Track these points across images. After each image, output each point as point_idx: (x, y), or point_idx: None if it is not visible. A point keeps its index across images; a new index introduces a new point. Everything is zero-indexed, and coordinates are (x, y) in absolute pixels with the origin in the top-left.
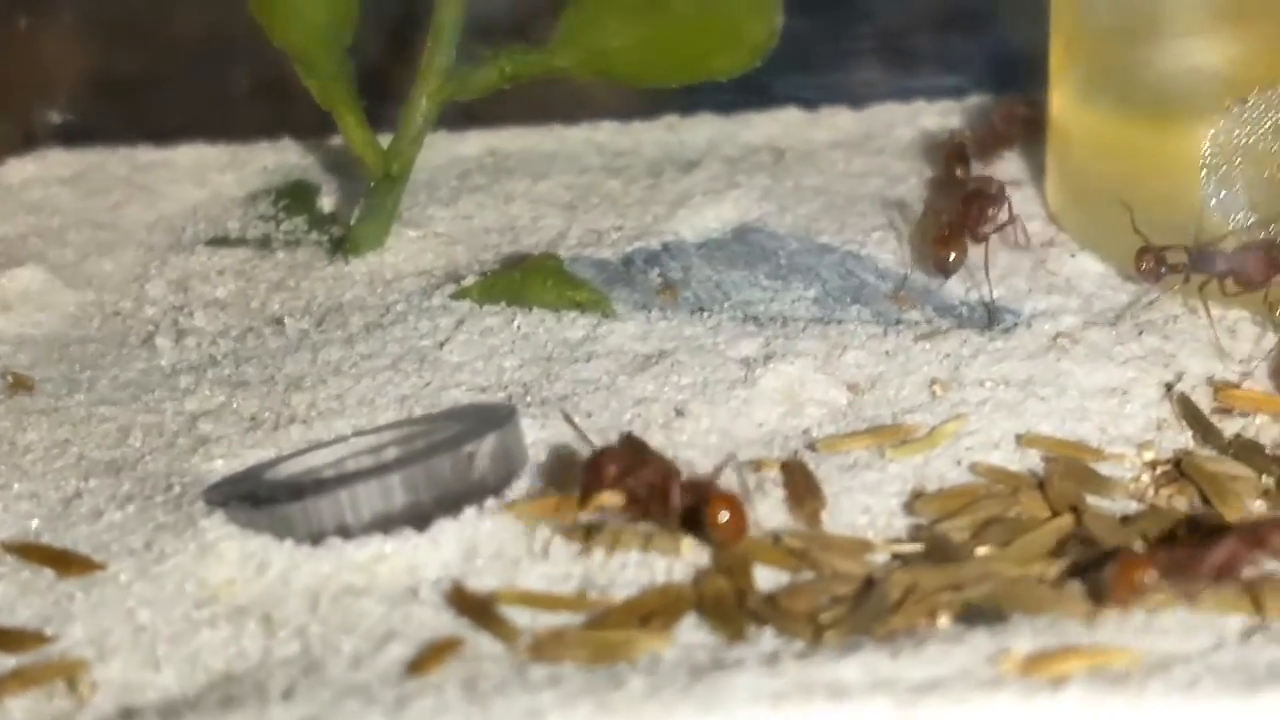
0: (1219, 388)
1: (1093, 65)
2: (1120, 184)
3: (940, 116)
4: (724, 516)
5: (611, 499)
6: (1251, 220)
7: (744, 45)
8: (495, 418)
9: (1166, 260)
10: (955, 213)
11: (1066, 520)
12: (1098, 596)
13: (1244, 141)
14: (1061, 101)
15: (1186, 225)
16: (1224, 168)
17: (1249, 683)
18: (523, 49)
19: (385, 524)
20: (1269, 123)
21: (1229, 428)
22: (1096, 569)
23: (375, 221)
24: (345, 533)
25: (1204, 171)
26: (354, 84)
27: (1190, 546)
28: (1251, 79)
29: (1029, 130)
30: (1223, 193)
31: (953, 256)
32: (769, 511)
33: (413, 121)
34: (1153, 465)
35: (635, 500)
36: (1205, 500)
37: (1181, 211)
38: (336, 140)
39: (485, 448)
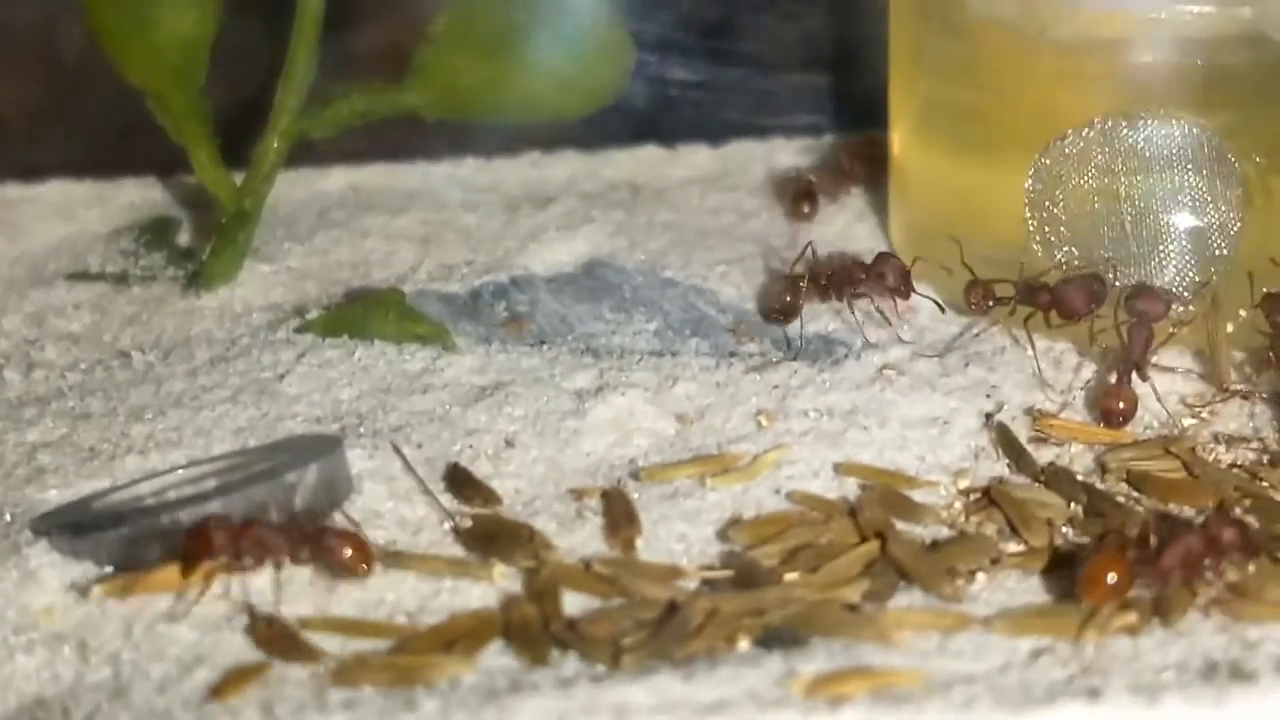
0: (1037, 417)
1: (926, 104)
2: (953, 220)
3: (795, 154)
4: (347, 553)
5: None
6: (1074, 255)
7: (595, 85)
8: (321, 448)
9: (994, 293)
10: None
11: (872, 546)
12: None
13: (1063, 178)
14: (900, 139)
15: (1015, 260)
16: (1046, 203)
17: (1024, 703)
18: (374, 87)
19: None
20: (1085, 160)
21: (1045, 456)
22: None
23: (227, 257)
24: (165, 560)
25: (1027, 208)
26: (208, 121)
27: (1154, 546)
28: (1072, 118)
29: (875, 168)
30: (1045, 228)
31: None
32: (586, 539)
33: (265, 159)
34: (966, 493)
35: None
36: (1013, 528)
37: (1010, 247)
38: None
39: (308, 478)
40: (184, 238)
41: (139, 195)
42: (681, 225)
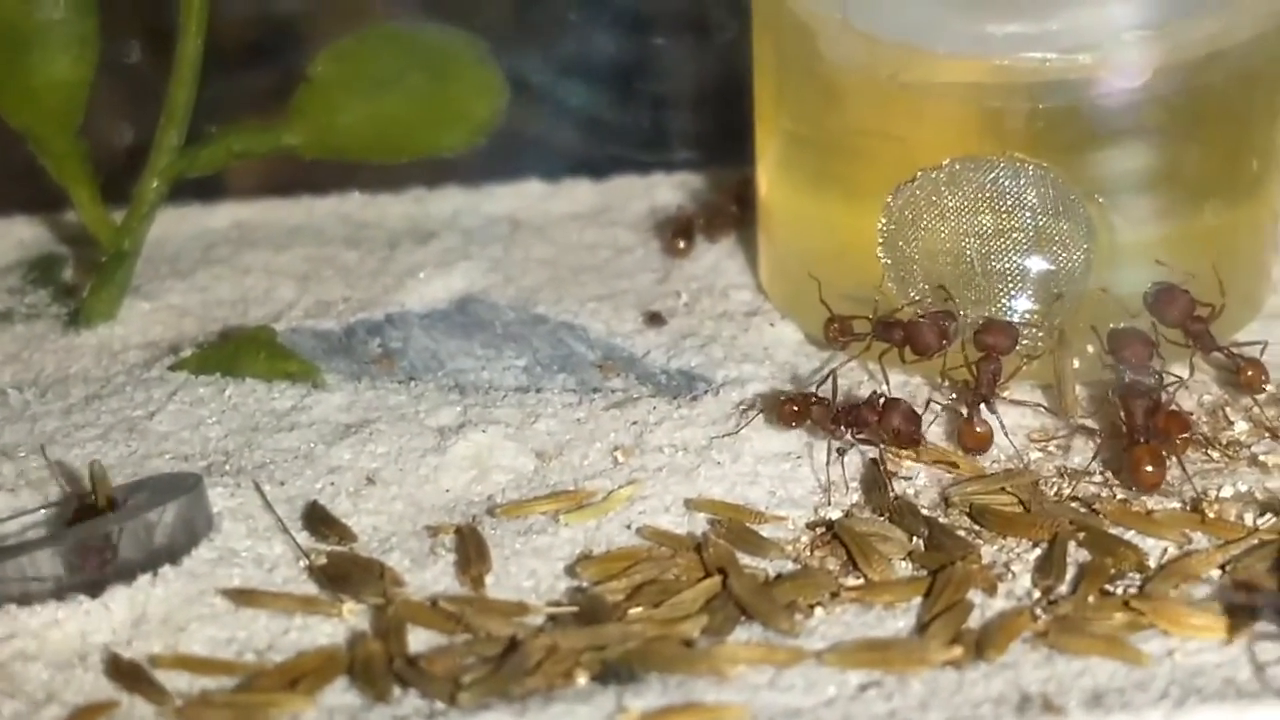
0: (887, 451)
1: (787, 144)
2: (815, 257)
3: (675, 190)
4: None
5: None
6: (926, 292)
7: (470, 123)
8: (181, 487)
9: (852, 329)
10: None
11: (713, 582)
12: None
13: (913, 219)
14: (765, 178)
15: (873, 297)
16: (898, 243)
17: None
18: (252, 127)
19: (64, 590)
20: (934, 201)
21: (894, 488)
22: None
23: (106, 295)
24: (26, 599)
25: (880, 247)
26: (87, 162)
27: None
28: (924, 159)
29: (751, 206)
30: (898, 267)
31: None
32: (439, 575)
33: (144, 199)
34: (812, 527)
35: None
36: (853, 562)
37: (868, 284)
38: None
39: (166, 516)
40: (69, 274)
41: (29, 233)
42: (558, 261)
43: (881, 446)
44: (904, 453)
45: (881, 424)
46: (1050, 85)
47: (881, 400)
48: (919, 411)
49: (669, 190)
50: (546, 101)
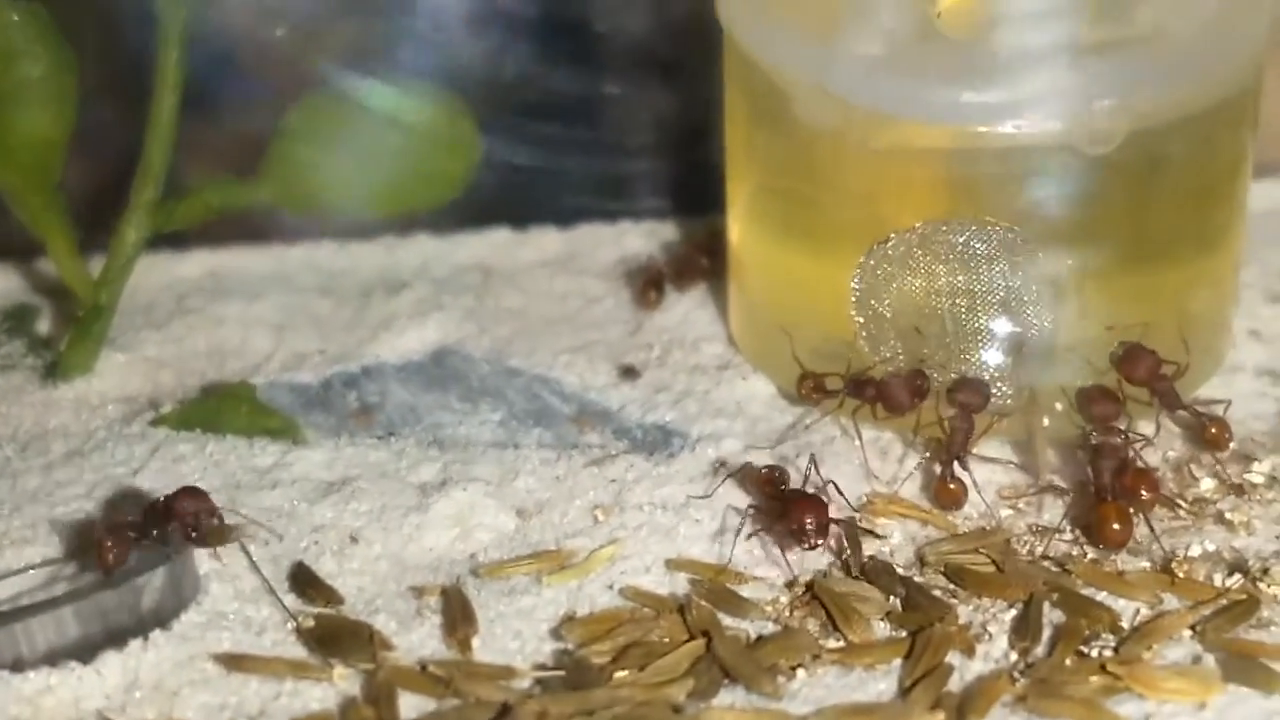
0: (863, 507)
1: (758, 198)
2: (787, 311)
3: (644, 238)
4: None
5: None
6: (898, 350)
7: (444, 178)
8: (168, 550)
9: (824, 386)
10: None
11: (697, 644)
12: None
13: (886, 279)
14: (736, 230)
15: (846, 353)
16: (871, 302)
17: None
18: (228, 181)
19: (58, 656)
20: (908, 262)
21: (868, 548)
22: None
23: (83, 349)
24: (19, 665)
25: (853, 306)
26: (64, 216)
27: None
28: (896, 220)
29: (719, 256)
30: (871, 326)
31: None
32: (425, 637)
33: (120, 253)
34: (790, 587)
35: None
36: (833, 623)
37: (841, 340)
38: None
39: (155, 580)
40: (44, 325)
41: (2, 282)
42: (529, 311)
43: (856, 516)
44: (880, 511)
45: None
46: (1021, 152)
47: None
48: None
49: (636, 238)
50: (512, 148)
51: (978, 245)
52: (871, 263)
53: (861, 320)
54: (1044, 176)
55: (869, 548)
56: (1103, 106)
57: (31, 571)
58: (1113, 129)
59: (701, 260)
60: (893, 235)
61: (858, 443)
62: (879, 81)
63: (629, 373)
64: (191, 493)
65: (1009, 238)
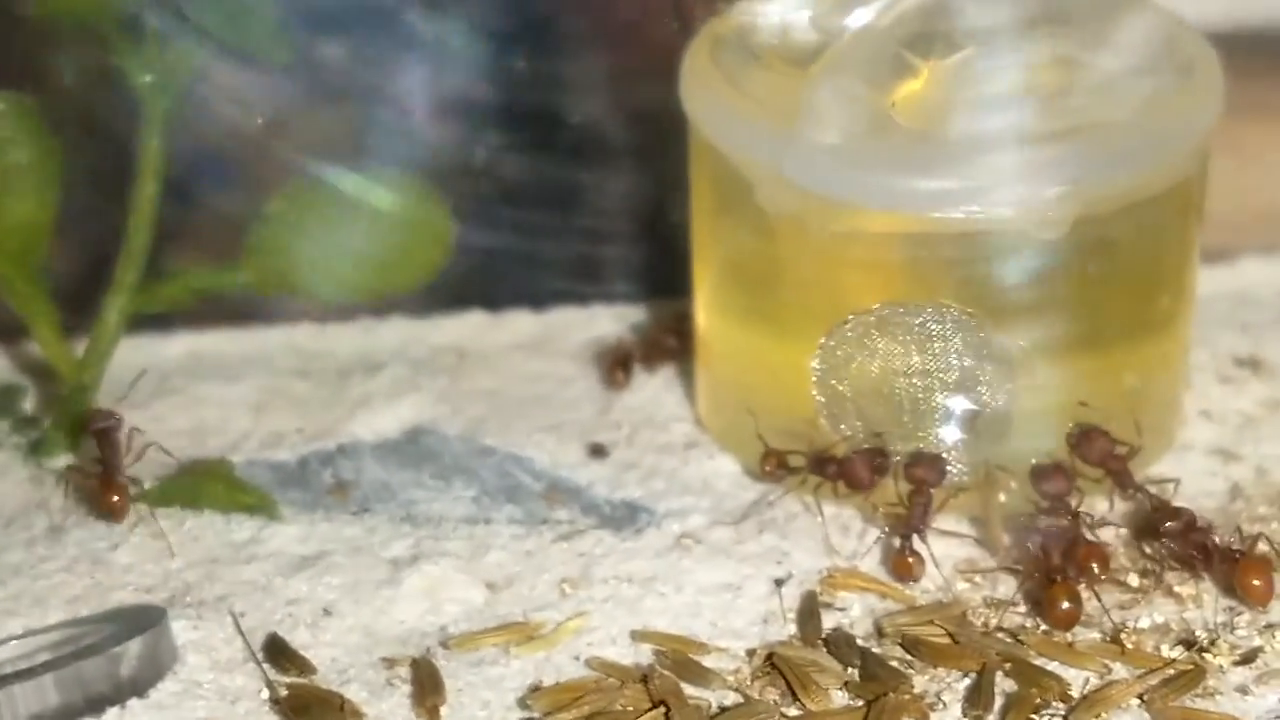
0: (823, 582)
1: (723, 281)
2: (752, 391)
3: (614, 321)
4: None
5: None
6: (858, 429)
7: (419, 265)
8: (146, 620)
9: (787, 463)
10: None
11: (657, 715)
12: None
13: (845, 359)
14: (701, 313)
15: (808, 431)
16: (831, 381)
17: None
18: (208, 266)
19: None
20: (866, 342)
21: (829, 620)
22: None
23: (67, 426)
24: None
25: (814, 385)
26: (49, 298)
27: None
28: (856, 302)
29: (687, 337)
30: (832, 405)
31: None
32: (395, 707)
33: (103, 335)
34: (751, 657)
35: None
36: (793, 693)
37: (804, 419)
38: None
39: (133, 649)
40: (30, 404)
41: None
42: (502, 392)
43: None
44: (840, 584)
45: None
46: (974, 237)
47: None
48: None
49: (608, 321)
50: (488, 233)
51: (933, 327)
52: (831, 343)
53: (822, 399)
54: (997, 261)
55: (830, 620)
56: (1052, 193)
57: (14, 643)
58: (1062, 215)
59: (669, 341)
60: (851, 317)
61: (819, 519)
62: (835, 170)
63: (598, 451)
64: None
65: (964, 319)
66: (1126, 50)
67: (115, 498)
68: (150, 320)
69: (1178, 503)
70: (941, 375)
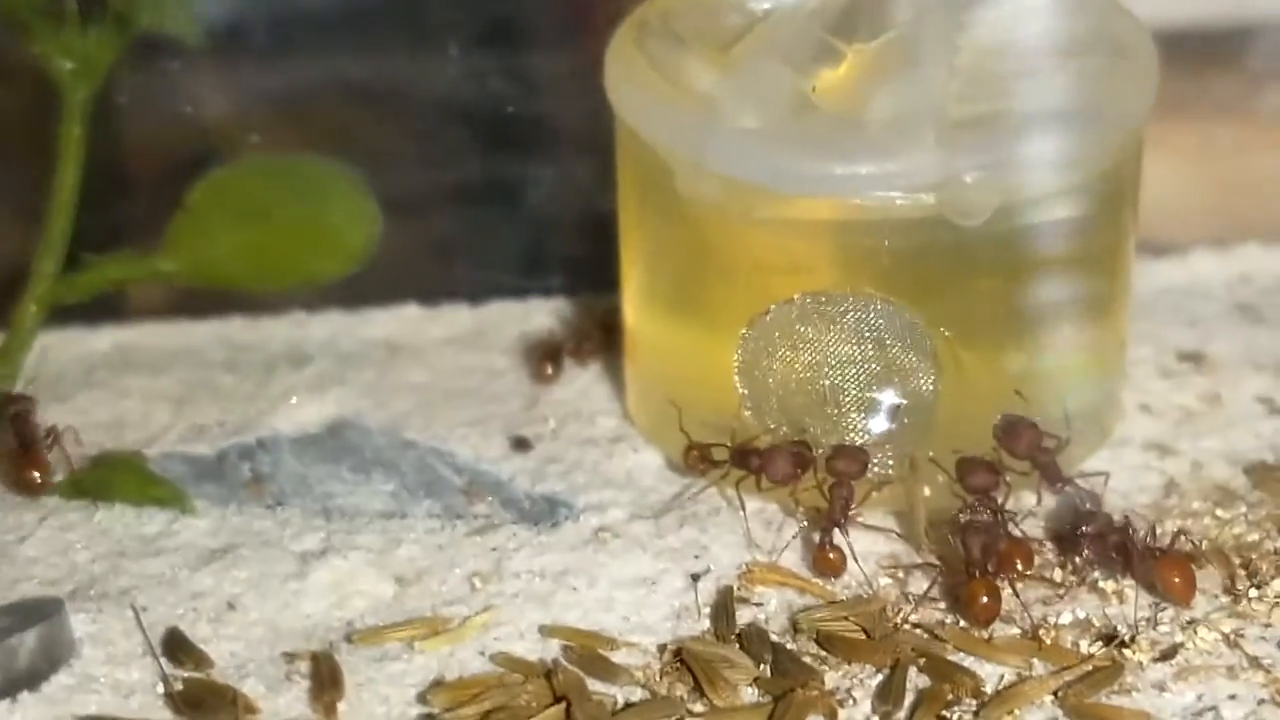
0: (742, 576)
1: (649, 274)
2: (678, 384)
3: (551, 316)
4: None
5: None
6: (781, 421)
7: (343, 251)
8: (42, 612)
9: (711, 457)
10: None
11: (558, 710)
12: None
13: (768, 350)
14: (629, 305)
15: (732, 425)
16: (754, 373)
17: None
18: (128, 254)
19: None
20: (788, 333)
21: (745, 616)
22: None
23: None
24: None
25: (737, 377)
26: None
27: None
28: (778, 292)
29: (617, 331)
30: (755, 397)
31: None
32: (291, 702)
33: (21, 326)
34: (661, 653)
35: None
36: (701, 689)
37: (728, 412)
38: None
39: (28, 642)
40: None
41: None
42: (431, 386)
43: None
44: (757, 579)
45: None
46: (896, 224)
47: None
48: None
49: (545, 316)
50: (425, 226)
51: (856, 317)
52: (753, 334)
53: (745, 391)
54: (919, 248)
55: (746, 615)
56: (972, 179)
57: None
58: (983, 202)
59: (600, 335)
60: (773, 307)
61: (741, 513)
62: (754, 155)
63: (521, 444)
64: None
65: (887, 309)
66: (1056, 33)
67: (35, 473)
68: (78, 313)
69: (1110, 497)
70: (865, 366)
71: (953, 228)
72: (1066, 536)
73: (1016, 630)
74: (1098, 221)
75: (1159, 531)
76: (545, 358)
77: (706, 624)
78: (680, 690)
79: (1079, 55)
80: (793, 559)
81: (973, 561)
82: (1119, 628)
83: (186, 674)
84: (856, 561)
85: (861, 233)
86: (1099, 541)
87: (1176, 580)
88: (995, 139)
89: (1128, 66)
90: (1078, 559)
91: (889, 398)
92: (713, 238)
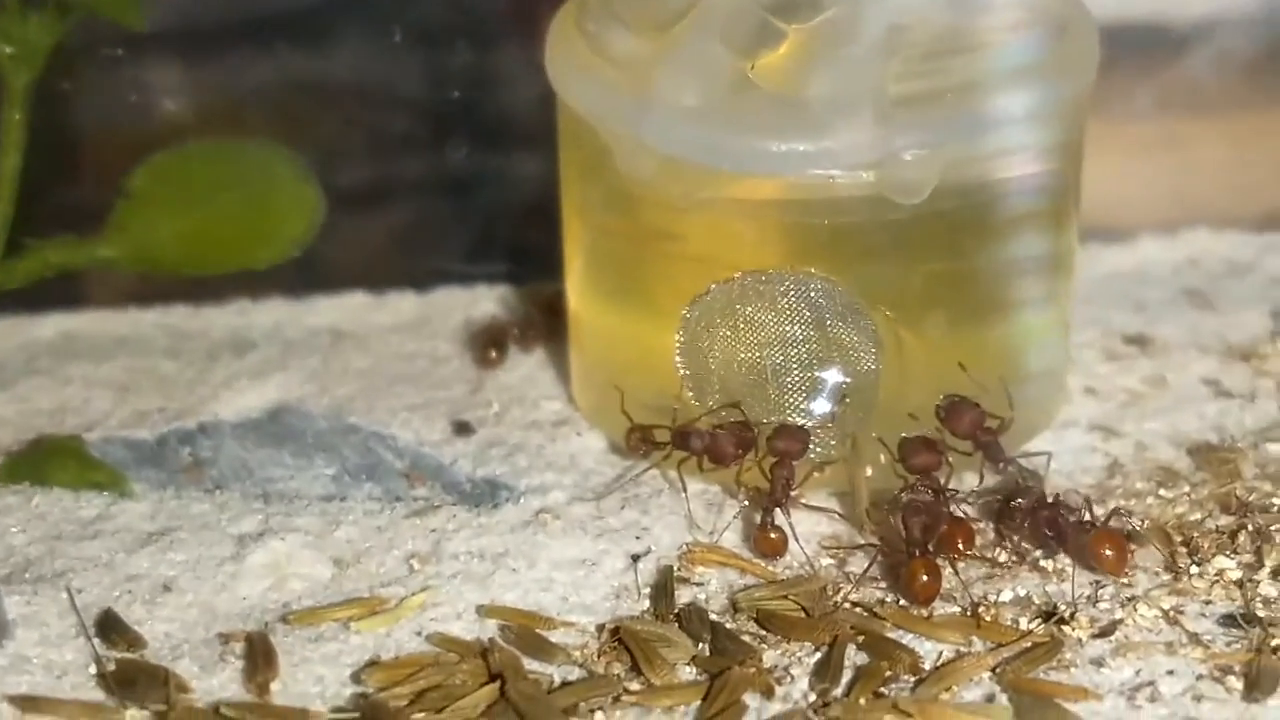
0: (683, 557)
1: (590, 257)
2: (621, 367)
3: (497, 302)
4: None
5: None
6: (723, 402)
7: (284, 237)
8: None
9: (653, 438)
10: None
11: (493, 688)
12: None
13: (708, 330)
14: (572, 288)
15: (673, 406)
16: (695, 353)
17: None
18: (69, 240)
19: None
20: (727, 313)
21: (685, 596)
22: None
23: None
24: None
25: (678, 358)
26: None
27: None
28: (719, 272)
29: (562, 315)
30: (696, 378)
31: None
32: (226, 682)
33: None
34: (599, 632)
35: None
36: (637, 668)
37: (670, 395)
38: None
39: None
40: None
41: None
42: (375, 372)
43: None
44: (698, 559)
45: None
46: (835, 202)
47: None
48: None
49: (491, 302)
50: (369, 213)
51: (796, 296)
52: (694, 314)
53: (687, 372)
54: (860, 227)
55: (686, 595)
56: (911, 157)
57: None
58: (922, 180)
59: (545, 320)
60: (713, 287)
61: (683, 494)
62: (692, 132)
63: (463, 429)
64: None
65: (827, 287)
66: (996, 10)
67: None
68: (23, 301)
69: (1054, 478)
70: (805, 345)
71: (893, 206)
72: (1001, 512)
73: (957, 609)
74: (1039, 201)
75: (1095, 509)
76: (489, 343)
77: (646, 604)
78: (618, 669)
79: (1018, 31)
80: (734, 540)
81: (913, 541)
82: (1059, 605)
83: (119, 654)
84: (798, 542)
85: (801, 211)
86: (1031, 516)
87: (1108, 553)
88: (934, 117)
89: (1068, 44)
90: (1015, 536)
91: (831, 377)
92: (652, 218)
